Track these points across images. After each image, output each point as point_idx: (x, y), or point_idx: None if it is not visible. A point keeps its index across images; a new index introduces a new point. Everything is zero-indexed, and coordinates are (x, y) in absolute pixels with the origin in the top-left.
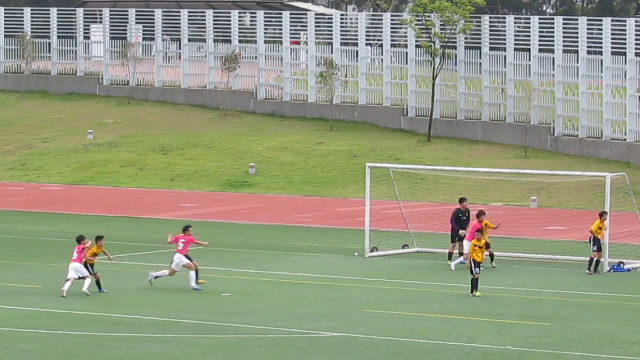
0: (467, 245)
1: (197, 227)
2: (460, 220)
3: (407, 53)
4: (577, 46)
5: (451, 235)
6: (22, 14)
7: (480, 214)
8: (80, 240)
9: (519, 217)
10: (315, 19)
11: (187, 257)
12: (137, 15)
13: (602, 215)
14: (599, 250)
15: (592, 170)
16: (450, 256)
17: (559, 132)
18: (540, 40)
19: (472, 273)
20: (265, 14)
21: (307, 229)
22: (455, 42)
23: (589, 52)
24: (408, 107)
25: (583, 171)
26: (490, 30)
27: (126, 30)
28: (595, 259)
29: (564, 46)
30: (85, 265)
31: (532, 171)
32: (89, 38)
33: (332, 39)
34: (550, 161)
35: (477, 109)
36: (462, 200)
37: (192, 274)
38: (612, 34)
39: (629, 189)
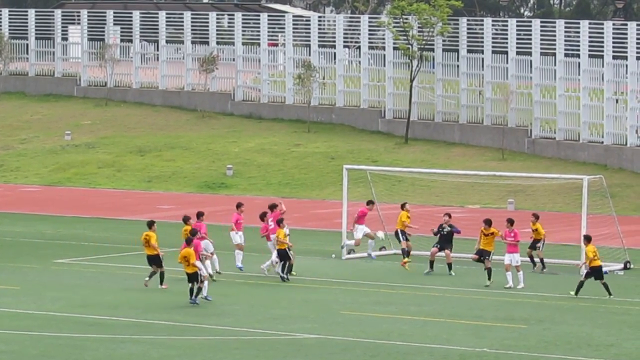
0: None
1: (174, 228)
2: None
3: (384, 55)
4: (555, 49)
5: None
6: (0, 15)
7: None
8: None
9: (495, 220)
10: (293, 20)
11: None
12: (114, 16)
13: (535, 215)
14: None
15: (569, 172)
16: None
17: (536, 134)
18: (517, 43)
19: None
20: (242, 15)
21: None
22: (433, 45)
23: (566, 55)
24: (385, 109)
25: (560, 173)
26: (468, 33)
27: (104, 31)
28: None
29: (542, 48)
30: (285, 252)
31: (509, 173)
32: (66, 39)
33: (309, 40)
34: (527, 163)
35: (455, 111)
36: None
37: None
38: (589, 37)
39: (605, 192)
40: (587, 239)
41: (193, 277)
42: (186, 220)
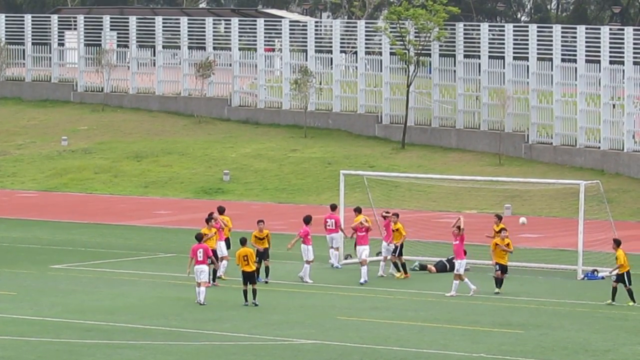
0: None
1: (171, 233)
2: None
3: (381, 60)
4: (551, 54)
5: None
6: None
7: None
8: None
9: (492, 225)
10: (290, 26)
11: None
12: (111, 21)
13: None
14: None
15: (566, 177)
16: None
17: (533, 139)
18: (514, 48)
19: None
20: (239, 21)
21: (281, 235)
22: (430, 50)
23: (563, 60)
24: (382, 114)
25: (557, 179)
26: (465, 38)
27: (100, 36)
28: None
29: (538, 54)
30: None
31: (506, 179)
32: (63, 44)
33: (306, 46)
34: (524, 168)
35: (451, 117)
36: None
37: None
38: (586, 42)
39: (602, 197)
40: (617, 243)
41: (249, 277)
42: (222, 211)
